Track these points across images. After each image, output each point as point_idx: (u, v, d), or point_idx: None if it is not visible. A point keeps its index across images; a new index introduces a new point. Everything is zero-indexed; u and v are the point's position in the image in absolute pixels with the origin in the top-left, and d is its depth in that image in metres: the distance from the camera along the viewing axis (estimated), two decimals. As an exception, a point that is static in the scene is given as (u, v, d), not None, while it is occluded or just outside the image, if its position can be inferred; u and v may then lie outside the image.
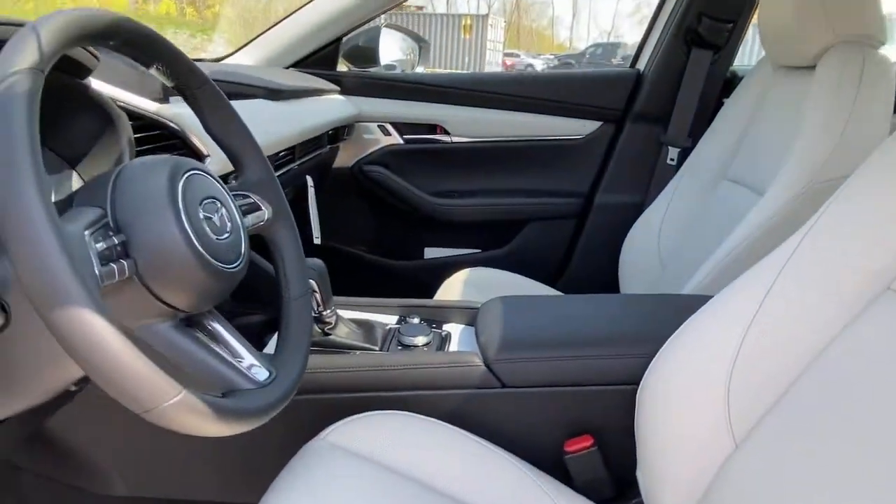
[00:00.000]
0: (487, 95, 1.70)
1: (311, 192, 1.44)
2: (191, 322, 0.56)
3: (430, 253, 1.87)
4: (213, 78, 1.17)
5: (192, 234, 0.51)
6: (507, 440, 0.86)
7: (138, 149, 0.76)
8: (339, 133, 1.63)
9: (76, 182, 0.73)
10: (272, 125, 1.18)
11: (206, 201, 0.55)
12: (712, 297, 0.76)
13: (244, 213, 0.66)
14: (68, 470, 0.90)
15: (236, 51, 1.63)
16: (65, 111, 0.68)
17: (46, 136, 0.70)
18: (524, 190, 1.78)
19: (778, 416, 0.65)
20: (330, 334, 0.96)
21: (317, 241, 1.44)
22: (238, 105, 1.14)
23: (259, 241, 0.75)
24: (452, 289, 1.42)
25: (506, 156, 1.76)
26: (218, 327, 0.58)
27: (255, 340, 0.96)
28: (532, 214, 1.77)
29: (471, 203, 1.75)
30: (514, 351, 0.88)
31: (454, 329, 1.04)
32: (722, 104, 1.49)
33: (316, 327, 0.97)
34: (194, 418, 0.45)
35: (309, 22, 1.60)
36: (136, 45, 0.56)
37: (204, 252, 0.52)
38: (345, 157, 1.74)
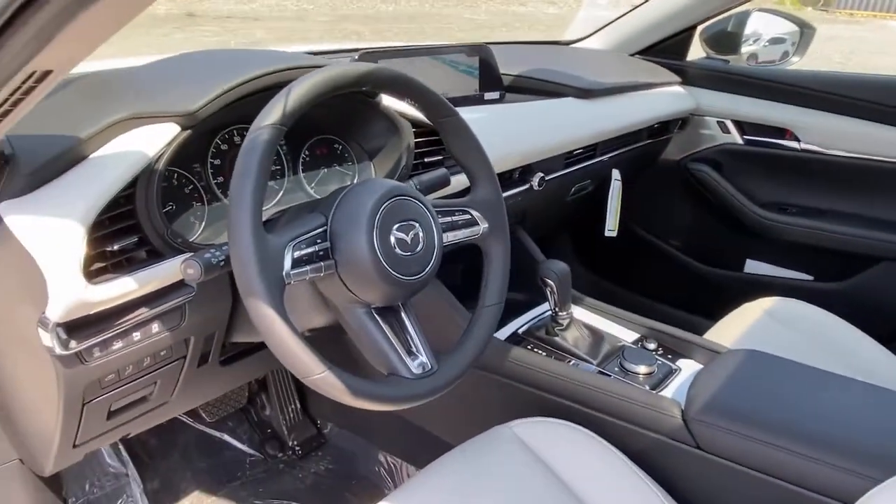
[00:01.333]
0: (858, 103, 1.41)
1: (615, 185, 1.46)
2: (385, 311, 0.71)
3: (752, 266, 1.70)
4: (529, 75, 1.29)
5: (377, 249, 0.65)
6: (682, 498, 0.82)
7: (418, 150, 0.92)
8: (669, 125, 1.58)
9: (372, 170, 0.94)
10: (572, 126, 1.24)
11: (402, 223, 0.67)
12: None
13: (460, 227, 0.77)
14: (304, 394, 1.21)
15: (589, 35, 1.69)
16: (365, 118, 0.89)
17: (354, 134, 0.92)
18: (885, 221, 1.45)
19: None
20: (557, 335, 1.03)
21: (610, 233, 1.47)
22: (546, 104, 1.25)
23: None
24: (750, 314, 1.28)
25: (870, 177, 1.45)
26: (406, 321, 0.72)
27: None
28: (890, 253, 1.44)
29: (807, 224, 1.51)
30: (720, 417, 0.82)
31: (688, 367, 0.99)
32: None
33: (549, 325, 1.05)
34: (335, 391, 0.60)
35: (664, 9, 1.56)
36: (387, 86, 0.71)
37: (385, 264, 0.65)
38: (673, 150, 1.67)
